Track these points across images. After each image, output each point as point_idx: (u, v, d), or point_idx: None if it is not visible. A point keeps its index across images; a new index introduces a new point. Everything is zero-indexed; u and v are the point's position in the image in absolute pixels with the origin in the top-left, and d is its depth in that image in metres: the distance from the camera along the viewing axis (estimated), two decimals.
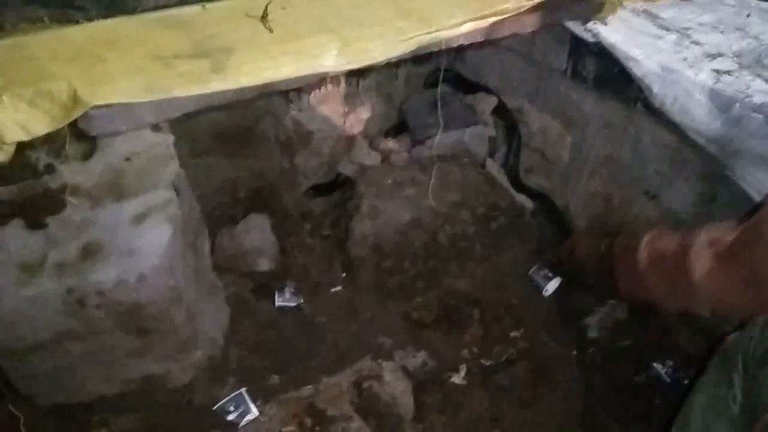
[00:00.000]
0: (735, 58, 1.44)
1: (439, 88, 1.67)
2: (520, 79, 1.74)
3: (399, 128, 1.80)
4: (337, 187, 1.73)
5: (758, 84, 1.33)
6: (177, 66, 1.07)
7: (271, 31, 1.21)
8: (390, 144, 1.74)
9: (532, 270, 1.72)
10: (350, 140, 1.76)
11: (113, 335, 1.21)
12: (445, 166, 1.72)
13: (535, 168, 1.77)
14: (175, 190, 1.20)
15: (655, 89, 1.38)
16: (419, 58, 1.65)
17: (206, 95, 1.04)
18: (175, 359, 1.34)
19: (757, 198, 1.31)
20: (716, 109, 1.31)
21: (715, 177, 1.38)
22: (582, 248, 1.33)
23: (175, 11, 1.25)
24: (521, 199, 1.75)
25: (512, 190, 1.75)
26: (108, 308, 1.16)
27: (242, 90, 1.07)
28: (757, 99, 1.28)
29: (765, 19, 1.66)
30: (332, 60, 1.16)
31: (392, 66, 1.72)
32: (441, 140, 1.75)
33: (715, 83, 1.33)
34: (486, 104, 1.79)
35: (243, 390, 1.40)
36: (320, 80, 1.59)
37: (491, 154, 1.83)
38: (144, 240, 1.17)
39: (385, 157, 1.75)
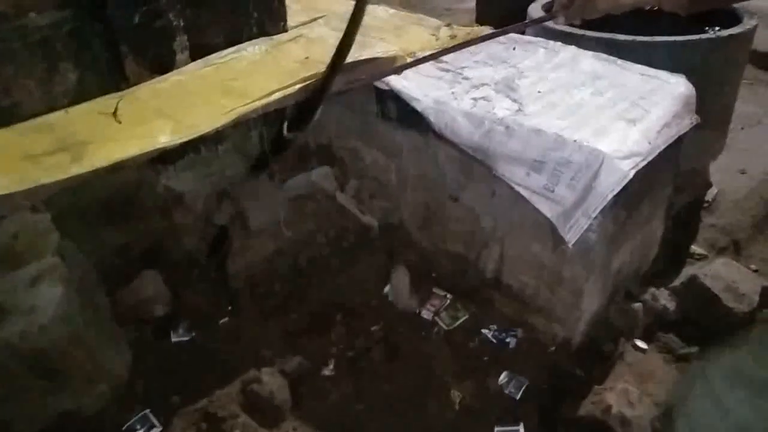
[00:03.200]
0: (493, 86, 1.88)
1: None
2: (351, 124, 2.15)
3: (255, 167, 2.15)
4: (222, 239, 2.06)
5: (504, 103, 1.78)
6: (44, 161, 1.41)
7: (119, 122, 1.58)
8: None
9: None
10: (220, 195, 2.11)
11: (26, 379, 1.50)
12: (301, 202, 2.10)
13: (375, 193, 2.17)
14: (61, 256, 1.52)
15: (432, 119, 1.81)
16: (268, 119, 2.05)
17: (69, 179, 1.39)
18: (84, 394, 1.63)
19: (519, 188, 1.73)
20: (473, 127, 1.74)
21: (493, 176, 1.78)
22: None
23: (43, 118, 1.60)
24: (367, 219, 2.13)
25: (359, 214, 2.14)
26: (17, 357, 1.46)
27: (97, 171, 1.42)
28: (500, 114, 1.72)
29: (525, 50, 2.14)
30: (167, 137, 1.53)
31: (247, 129, 2.11)
32: (295, 183, 2.14)
33: (471, 108, 1.77)
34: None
35: (147, 411, 1.70)
36: (183, 150, 1.94)
37: (341, 188, 2.22)
38: (40, 299, 1.49)
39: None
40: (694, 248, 2.34)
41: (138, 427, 1.67)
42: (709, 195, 2.53)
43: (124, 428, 1.66)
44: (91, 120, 1.59)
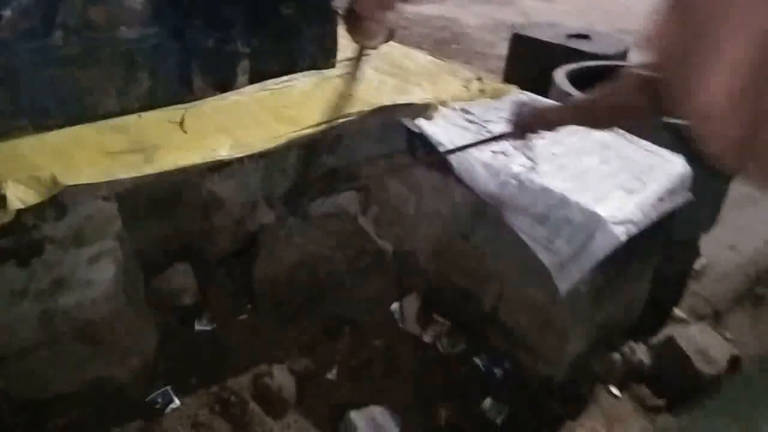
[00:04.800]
0: (512, 142, 2.11)
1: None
2: (380, 156, 2.37)
3: (291, 194, 2.39)
4: (252, 244, 2.28)
5: (520, 159, 2.00)
6: (121, 158, 1.64)
7: (185, 132, 1.81)
8: (284, 207, 2.34)
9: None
10: (254, 204, 2.33)
11: (72, 344, 1.71)
12: (326, 221, 2.32)
13: (393, 221, 2.39)
14: (119, 240, 1.75)
15: (454, 164, 2.03)
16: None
17: (140, 177, 1.61)
18: (118, 364, 1.84)
19: (524, 236, 1.94)
20: (489, 176, 1.96)
21: (502, 222, 1.99)
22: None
23: (119, 119, 1.83)
24: (383, 243, 2.35)
25: (376, 237, 2.35)
26: (69, 324, 1.68)
27: (164, 173, 1.64)
28: (515, 169, 1.95)
29: None
30: (226, 151, 1.76)
31: (288, 149, 2.34)
32: (323, 203, 2.37)
33: (490, 159, 1.99)
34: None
35: (168, 387, 1.91)
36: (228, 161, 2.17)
37: (363, 212, 2.45)
38: (96, 275, 1.70)
39: (281, 216, 2.33)
40: (677, 312, 2.54)
41: (159, 400, 1.87)
42: (698, 265, 2.73)
43: (147, 399, 1.87)
44: (160, 126, 1.82)
